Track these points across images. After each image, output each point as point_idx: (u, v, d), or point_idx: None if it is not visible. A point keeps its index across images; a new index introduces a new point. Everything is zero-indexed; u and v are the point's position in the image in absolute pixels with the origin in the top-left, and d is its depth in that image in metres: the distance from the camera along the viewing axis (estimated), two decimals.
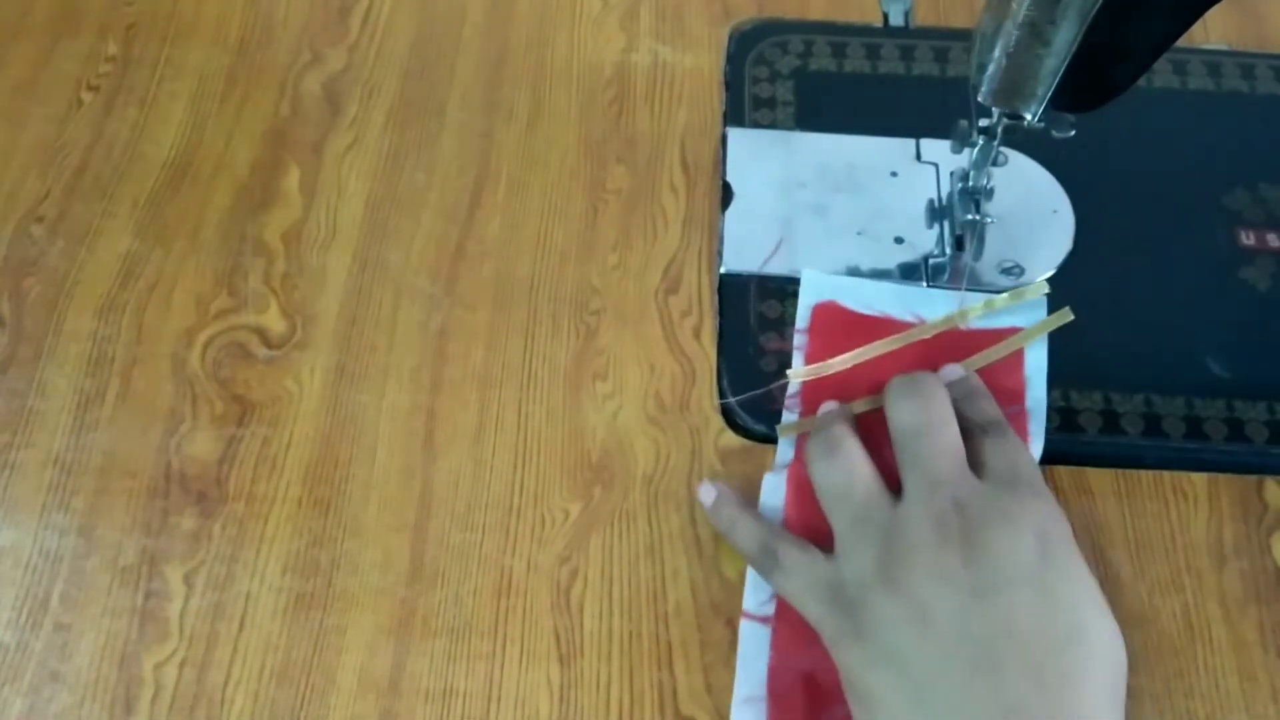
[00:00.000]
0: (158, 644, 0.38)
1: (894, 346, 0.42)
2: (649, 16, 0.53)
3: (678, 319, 0.45)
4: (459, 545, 0.40)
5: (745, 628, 0.38)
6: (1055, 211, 0.46)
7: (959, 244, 0.45)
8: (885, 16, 0.53)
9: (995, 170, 0.44)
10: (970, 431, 0.38)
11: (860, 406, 0.41)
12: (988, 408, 0.39)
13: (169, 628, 0.38)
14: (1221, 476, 0.41)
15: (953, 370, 0.41)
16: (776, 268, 0.45)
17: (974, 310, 0.42)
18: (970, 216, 0.44)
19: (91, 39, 0.52)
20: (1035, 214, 0.46)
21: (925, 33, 0.52)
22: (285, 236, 0.47)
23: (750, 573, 0.38)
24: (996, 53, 0.37)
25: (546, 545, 0.40)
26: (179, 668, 0.38)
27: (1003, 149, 0.43)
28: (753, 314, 0.44)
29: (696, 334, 0.44)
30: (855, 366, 0.42)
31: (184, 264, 0.46)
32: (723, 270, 0.45)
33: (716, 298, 0.45)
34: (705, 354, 0.44)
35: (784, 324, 0.44)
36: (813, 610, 0.35)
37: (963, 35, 0.51)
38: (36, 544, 0.40)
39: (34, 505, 0.41)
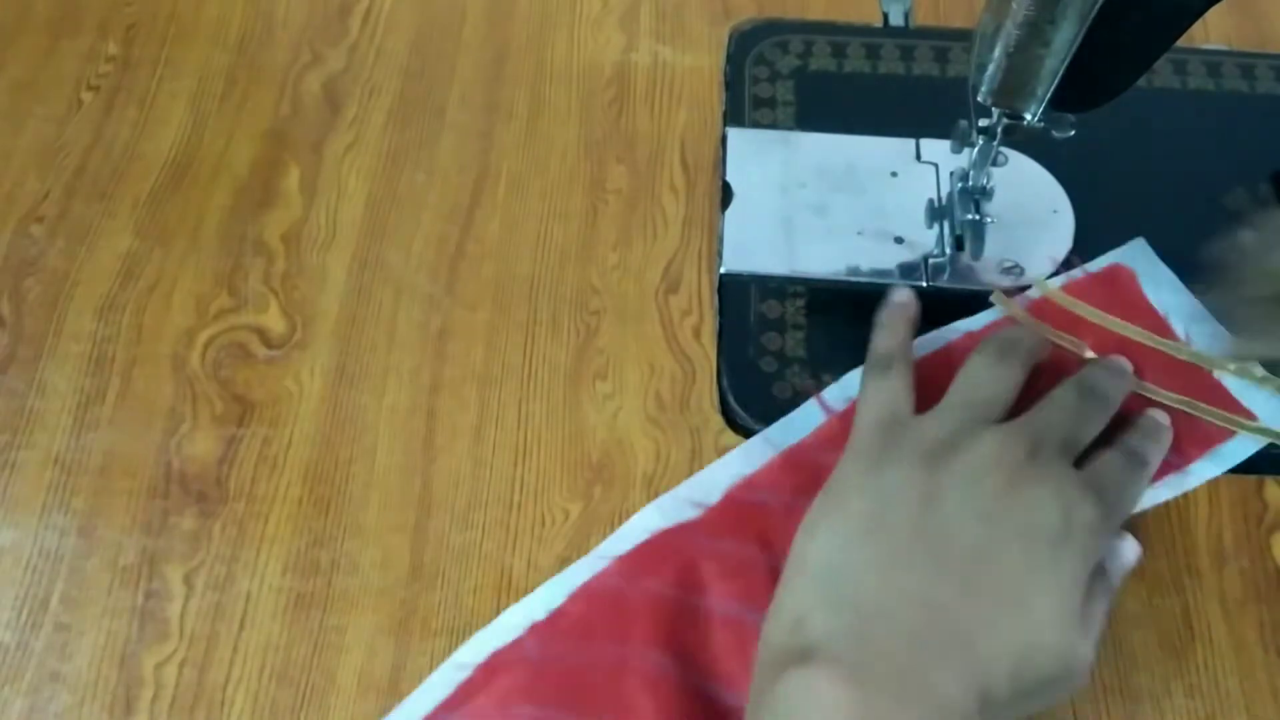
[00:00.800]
0: (158, 644, 0.38)
1: (1143, 340, 0.41)
2: (649, 16, 0.53)
3: (678, 319, 0.45)
4: (459, 545, 0.40)
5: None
6: (1055, 211, 0.46)
7: (959, 244, 0.45)
8: (885, 16, 0.53)
9: (995, 170, 0.44)
10: (1114, 447, 0.37)
11: (1062, 341, 0.40)
12: (1150, 451, 0.38)
13: (169, 628, 0.38)
14: (1222, 477, 0.41)
15: (1160, 416, 0.40)
16: (775, 267, 0.45)
17: (1252, 375, 0.40)
18: (970, 216, 0.44)
19: (91, 39, 0.52)
20: (1035, 214, 0.46)
21: (925, 33, 0.52)
22: (285, 236, 0.47)
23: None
24: (996, 53, 0.37)
25: (546, 545, 0.40)
26: (179, 668, 0.38)
27: (1003, 149, 0.43)
28: (753, 314, 0.44)
29: (696, 334, 0.44)
30: (1092, 328, 0.41)
31: (184, 264, 0.46)
32: (723, 270, 0.45)
33: (716, 298, 0.45)
34: (705, 354, 0.44)
35: (784, 324, 0.44)
36: (866, 421, 0.37)
37: (963, 35, 0.51)
38: (36, 544, 0.40)
39: (34, 505, 0.41)
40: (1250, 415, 0.40)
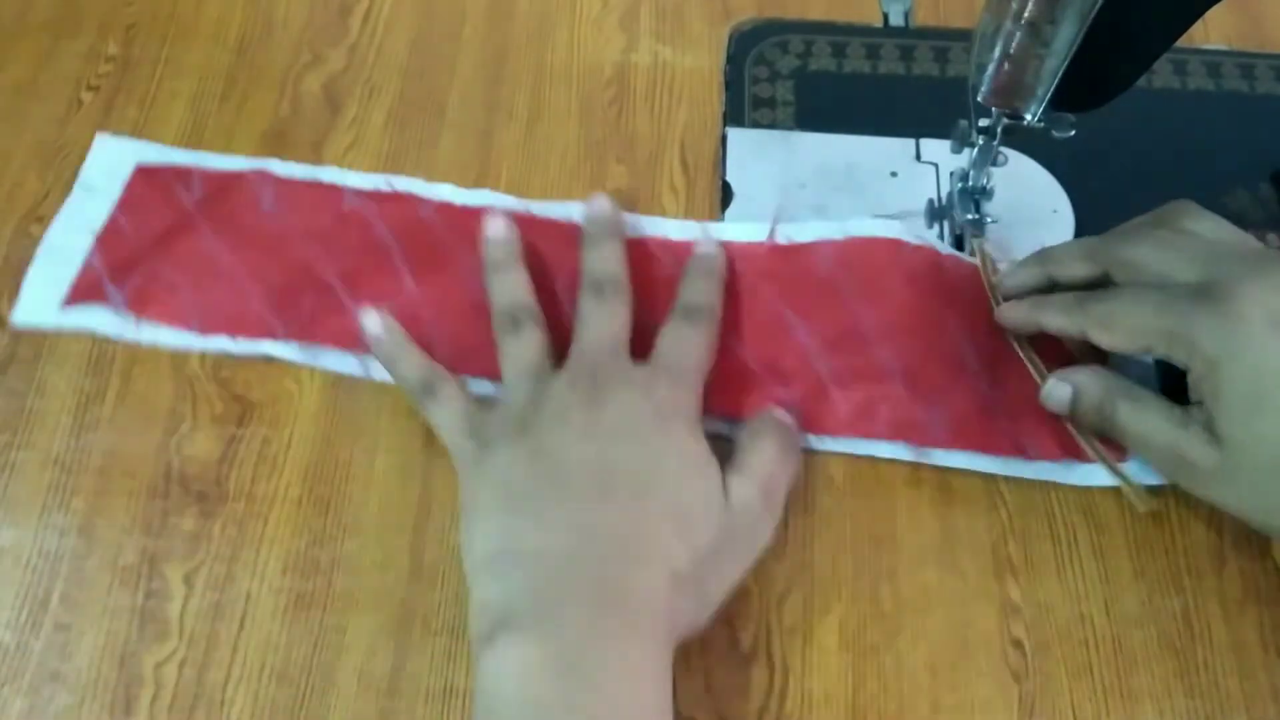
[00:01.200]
0: (158, 644, 0.38)
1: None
2: (649, 16, 0.53)
3: None
4: (459, 545, 0.40)
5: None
6: (1055, 211, 0.46)
7: (959, 244, 0.45)
8: (885, 16, 0.53)
9: (995, 170, 0.44)
10: (671, 313, 0.41)
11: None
12: (707, 290, 0.42)
13: (169, 628, 0.38)
14: None
15: (708, 245, 0.43)
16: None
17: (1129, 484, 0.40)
18: (970, 216, 0.44)
19: (91, 39, 0.52)
20: (1035, 214, 0.46)
21: (925, 33, 0.52)
22: None
23: None
24: (996, 53, 0.37)
25: None
26: (179, 668, 0.38)
27: (1003, 149, 0.43)
28: None
29: None
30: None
31: None
32: None
33: None
34: None
35: None
36: (453, 438, 0.39)
37: (963, 35, 0.51)
38: (36, 544, 0.40)
39: (34, 505, 0.41)
40: (1120, 456, 0.40)
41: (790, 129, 0.49)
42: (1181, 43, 0.37)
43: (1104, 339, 0.37)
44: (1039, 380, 0.40)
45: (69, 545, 0.40)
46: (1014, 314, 0.40)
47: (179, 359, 0.44)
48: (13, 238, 0.46)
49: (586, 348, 0.39)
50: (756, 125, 0.49)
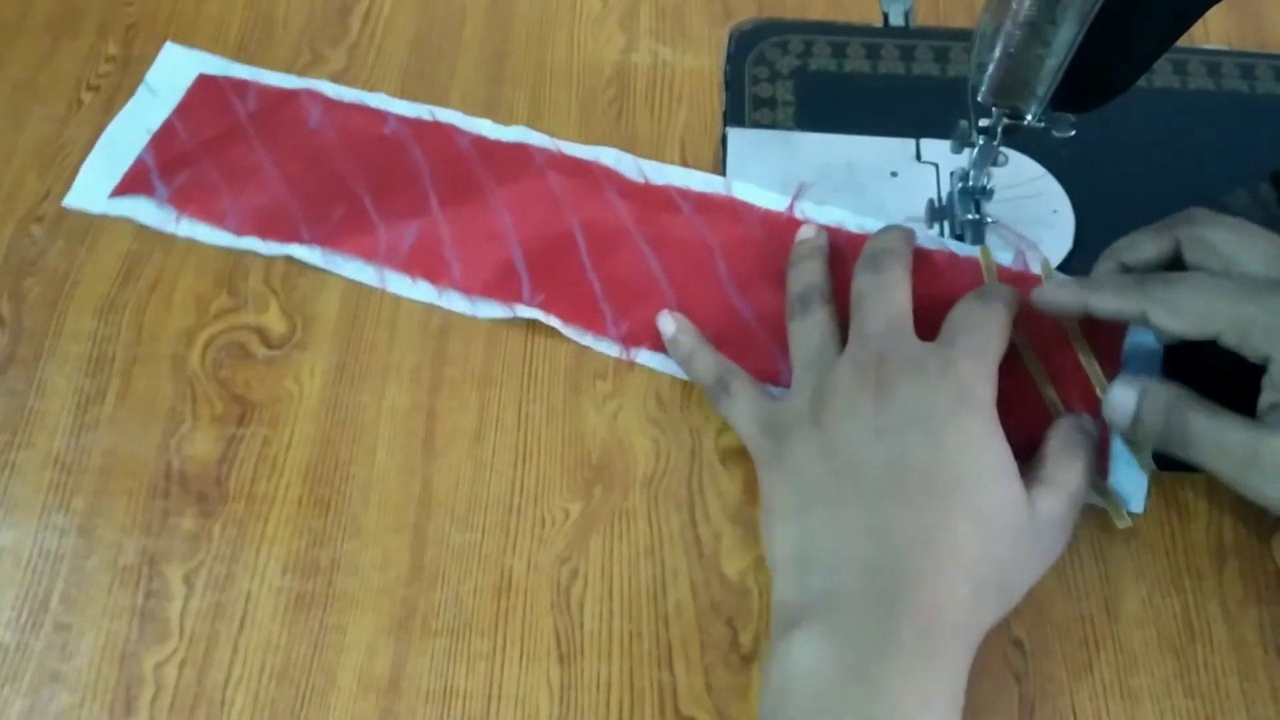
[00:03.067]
0: (158, 644, 0.38)
1: (1084, 361, 0.41)
2: (649, 16, 0.53)
3: None
4: (459, 545, 0.40)
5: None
6: (1055, 211, 0.46)
7: (960, 240, 0.45)
8: (885, 16, 0.53)
9: (995, 170, 0.44)
10: (970, 295, 0.39)
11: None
12: (991, 289, 0.39)
13: (169, 628, 0.38)
14: None
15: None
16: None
17: (1145, 462, 0.40)
18: (970, 216, 0.44)
19: (91, 39, 0.52)
20: (1035, 214, 0.46)
21: (925, 33, 0.52)
22: None
23: None
24: (996, 53, 0.37)
25: (546, 545, 0.40)
26: (179, 668, 0.38)
27: (1003, 149, 0.43)
28: None
29: None
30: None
31: (184, 264, 0.46)
32: None
33: None
34: None
35: None
36: (750, 435, 0.39)
37: (963, 35, 0.51)
38: (36, 544, 0.40)
39: (34, 505, 0.41)
40: (1103, 471, 0.40)
41: (790, 129, 0.49)
42: (1181, 43, 0.37)
43: (1168, 323, 0.36)
44: (1096, 386, 0.40)
45: (69, 545, 0.40)
46: (1059, 295, 0.39)
47: (179, 359, 0.44)
48: (13, 238, 0.47)
49: (869, 330, 0.38)
50: (756, 125, 0.49)
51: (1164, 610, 0.39)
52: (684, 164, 0.48)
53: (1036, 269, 0.43)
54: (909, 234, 0.42)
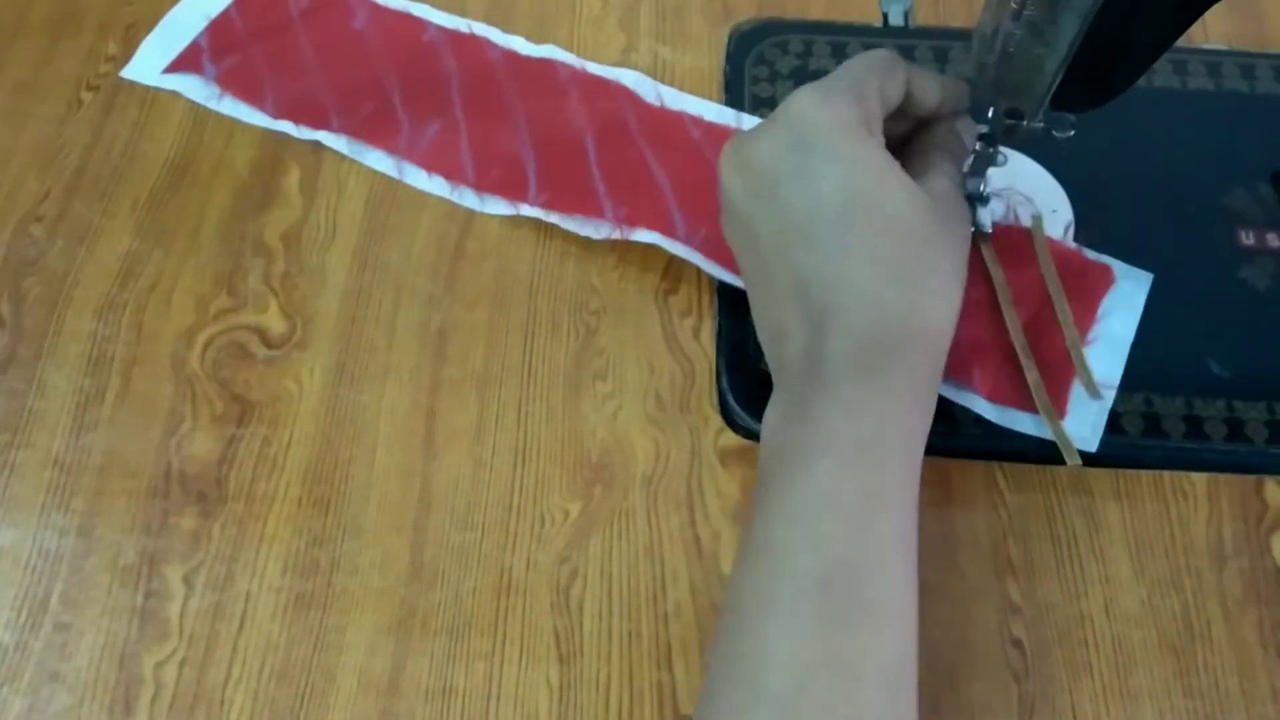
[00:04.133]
0: (158, 644, 0.38)
1: (1058, 305, 0.42)
2: (649, 16, 0.53)
3: (678, 319, 0.45)
4: (459, 545, 0.40)
5: None
6: (1055, 211, 0.46)
7: None
8: (885, 16, 0.53)
9: (995, 171, 0.44)
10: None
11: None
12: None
13: (169, 628, 0.38)
14: (1221, 476, 0.41)
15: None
16: None
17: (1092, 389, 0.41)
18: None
19: (91, 39, 0.52)
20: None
21: (925, 33, 0.52)
22: (285, 236, 0.47)
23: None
24: (996, 53, 0.37)
25: (546, 545, 0.40)
26: (179, 668, 0.38)
27: (1003, 149, 0.43)
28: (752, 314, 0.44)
29: (696, 334, 0.44)
30: (1031, 271, 0.43)
31: (184, 264, 0.46)
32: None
33: (716, 298, 0.45)
34: (705, 354, 0.44)
35: None
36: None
37: (963, 35, 0.51)
38: (36, 544, 0.40)
39: (34, 505, 0.41)
40: (1061, 413, 0.40)
41: None
42: (1181, 43, 0.37)
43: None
44: (1069, 344, 0.41)
45: (69, 545, 0.40)
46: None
47: (179, 359, 0.44)
48: (12, 238, 0.47)
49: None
50: None
51: (1164, 610, 0.39)
52: None
53: (1027, 223, 0.44)
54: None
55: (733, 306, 0.44)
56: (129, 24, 0.53)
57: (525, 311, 0.45)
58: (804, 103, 0.35)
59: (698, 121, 0.49)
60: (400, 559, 0.40)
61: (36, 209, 0.47)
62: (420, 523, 0.40)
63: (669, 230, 0.44)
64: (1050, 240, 0.44)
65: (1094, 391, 0.40)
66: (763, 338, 0.37)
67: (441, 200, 0.48)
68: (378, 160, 0.48)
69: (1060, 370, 0.41)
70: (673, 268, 0.46)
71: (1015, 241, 0.43)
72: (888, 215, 0.34)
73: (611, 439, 0.42)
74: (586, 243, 0.46)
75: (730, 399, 0.42)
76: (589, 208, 0.46)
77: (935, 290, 0.35)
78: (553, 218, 0.46)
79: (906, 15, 0.53)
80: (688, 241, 0.44)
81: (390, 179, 0.48)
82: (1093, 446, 0.40)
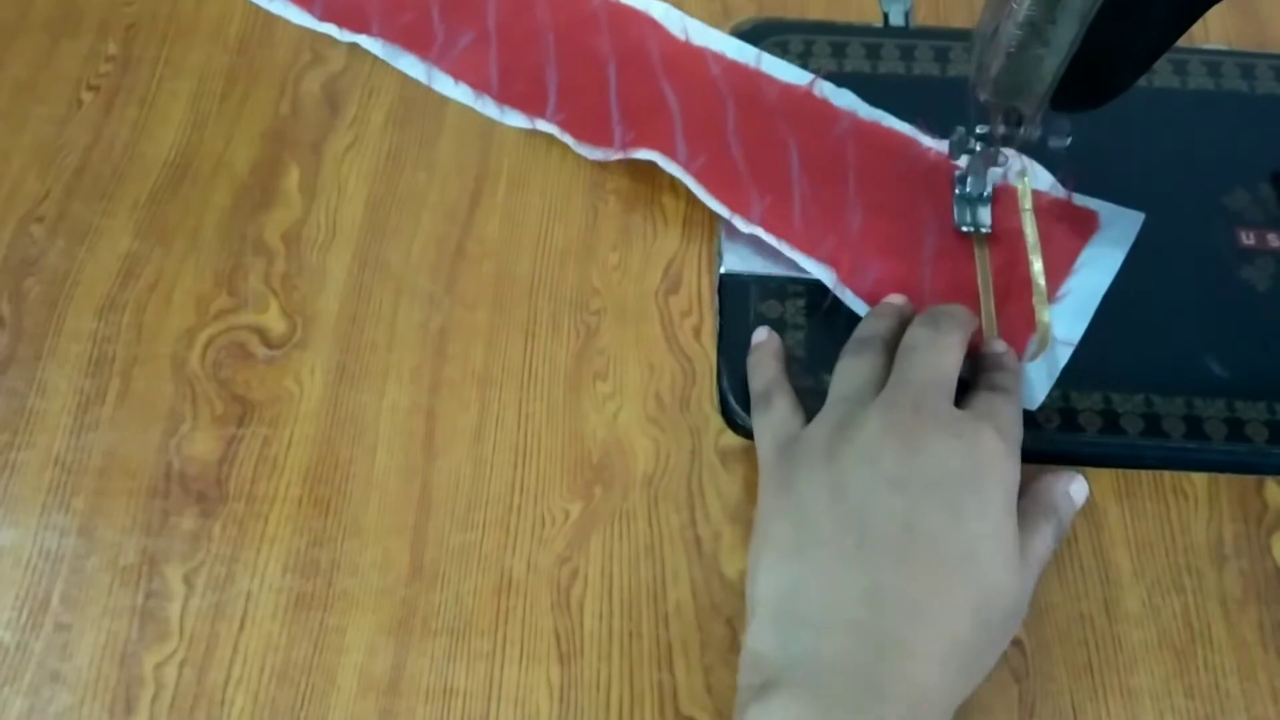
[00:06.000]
0: (158, 644, 0.38)
1: (1031, 253, 0.41)
2: None
3: (678, 319, 0.45)
4: (459, 545, 0.40)
5: None
6: None
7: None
8: (885, 16, 0.53)
9: (995, 172, 0.44)
10: (978, 384, 0.39)
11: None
12: (1009, 379, 0.39)
13: (169, 628, 0.38)
14: (1221, 476, 0.41)
15: (998, 344, 0.41)
16: (775, 268, 0.45)
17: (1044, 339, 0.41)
18: (966, 227, 0.44)
19: (91, 39, 0.52)
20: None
21: (925, 33, 0.52)
22: (285, 236, 0.47)
23: None
24: (996, 53, 0.37)
25: (546, 545, 0.40)
26: (179, 668, 0.38)
27: (1004, 149, 0.43)
28: (752, 314, 0.44)
29: (696, 334, 0.44)
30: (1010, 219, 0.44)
31: (184, 264, 0.46)
32: (723, 270, 0.45)
33: (716, 298, 0.45)
34: (705, 354, 0.44)
35: (784, 324, 0.44)
36: (765, 452, 0.38)
37: (963, 35, 0.51)
38: (36, 544, 0.40)
39: (34, 505, 0.41)
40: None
41: None
42: (1181, 43, 0.37)
43: None
44: (1038, 306, 0.41)
45: (69, 545, 0.40)
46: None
47: (179, 359, 0.44)
48: (13, 238, 0.47)
49: (911, 377, 0.36)
50: None
51: (1164, 610, 0.39)
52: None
53: (1014, 180, 0.44)
54: (972, 315, 0.40)
55: (733, 306, 0.44)
56: (129, 24, 0.53)
57: (525, 311, 0.45)
58: (995, 444, 0.35)
59: (719, 58, 0.50)
60: (400, 559, 0.40)
61: (36, 209, 0.47)
62: (420, 523, 0.40)
63: (670, 153, 0.46)
64: (1037, 192, 0.45)
65: (1041, 350, 0.41)
66: (782, 602, 0.34)
67: (442, 200, 0.48)
68: (410, 65, 0.51)
69: (1021, 327, 0.42)
70: (673, 268, 0.46)
71: (1000, 195, 0.45)
72: (991, 596, 0.33)
73: (612, 439, 0.42)
74: (586, 243, 0.46)
75: (731, 399, 0.42)
76: (601, 133, 0.48)
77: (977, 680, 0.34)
78: (567, 138, 0.48)
79: (907, 15, 0.53)
80: (686, 167, 0.46)
81: (390, 179, 0.48)
82: (1034, 404, 0.41)
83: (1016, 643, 0.38)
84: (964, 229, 0.44)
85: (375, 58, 0.52)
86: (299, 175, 0.48)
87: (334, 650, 0.38)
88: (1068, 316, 0.42)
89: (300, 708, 0.37)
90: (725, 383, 0.43)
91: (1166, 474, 0.41)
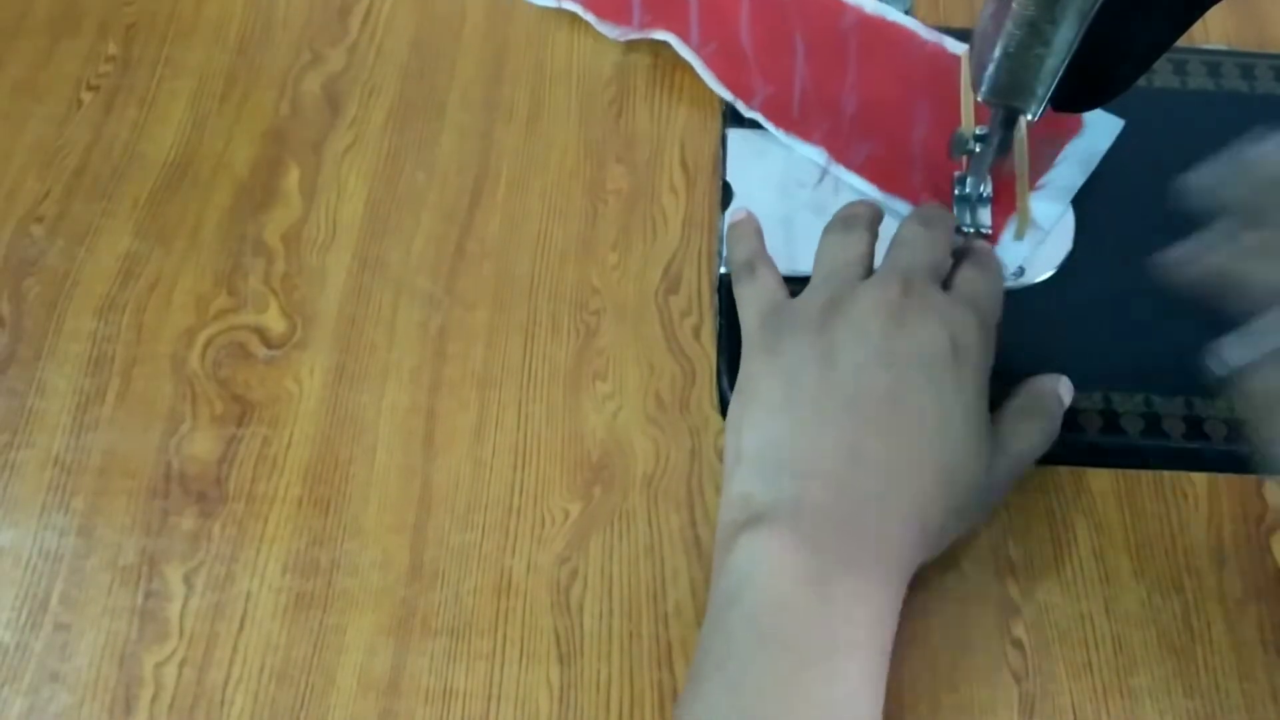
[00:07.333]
0: (158, 644, 0.38)
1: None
2: None
3: (678, 319, 0.45)
4: (459, 545, 0.40)
5: None
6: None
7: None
8: None
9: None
10: (962, 265, 0.41)
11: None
12: (990, 259, 0.41)
13: (169, 628, 0.38)
14: (1221, 476, 0.41)
15: (978, 242, 0.43)
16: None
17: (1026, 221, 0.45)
18: (966, 227, 0.44)
19: (91, 39, 0.52)
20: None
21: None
22: (285, 236, 0.47)
23: None
24: (996, 52, 0.37)
25: (546, 545, 0.40)
26: (179, 668, 0.38)
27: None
28: None
29: (696, 334, 0.44)
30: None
31: (184, 264, 0.46)
32: (723, 270, 0.45)
33: (716, 298, 0.45)
34: (705, 354, 0.44)
35: None
36: (751, 318, 0.40)
37: (963, 35, 0.51)
38: (36, 544, 0.40)
39: (34, 505, 0.41)
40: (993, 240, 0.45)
41: None
42: (1181, 43, 0.37)
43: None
44: (1020, 192, 0.45)
45: (69, 545, 0.40)
46: (1202, 263, 0.37)
47: (179, 359, 0.44)
48: (13, 238, 0.47)
49: (902, 264, 0.39)
50: (757, 126, 0.49)
51: (1164, 610, 0.39)
52: (683, 164, 0.48)
53: None
54: (955, 217, 0.43)
55: (733, 306, 0.44)
56: (129, 24, 0.53)
57: (525, 312, 0.45)
58: (977, 331, 0.38)
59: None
60: (400, 559, 0.40)
61: (36, 209, 0.47)
62: (420, 523, 0.40)
63: (685, 36, 0.49)
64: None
65: (1022, 230, 0.45)
66: (768, 450, 0.36)
67: (442, 200, 0.48)
68: None
69: (1002, 211, 0.45)
70: (672, 268, 0.46)
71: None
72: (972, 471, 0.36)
73: (611, 439, 0.42)
74: (587, 243, 0.46)
75: (731, 399, 0.42)
76: (621, 12, 0.50)
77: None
78: (588, 16, 0.51)
79: (907, 14, 0.53)
80: (697, 51, 0.49)
81: (390, 179, 0.48)
82: (1008, 271, 0.44)
83: (1017, 643, 0.38)
84: (965, 228, 0.44)
85: (376, 57, 0.52)
86: (299, 175, 0.48)
87: (334, 650, 0.38)
88: (1046, 203, 0.45)
89: (300, 708, 0.37)
90: (725, 383, 0.43)
91: (1166, 474, 0.41)
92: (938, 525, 0.36)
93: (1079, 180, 0.46)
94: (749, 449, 0.36)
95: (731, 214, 0.45)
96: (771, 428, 0.36)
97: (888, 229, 0.42)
